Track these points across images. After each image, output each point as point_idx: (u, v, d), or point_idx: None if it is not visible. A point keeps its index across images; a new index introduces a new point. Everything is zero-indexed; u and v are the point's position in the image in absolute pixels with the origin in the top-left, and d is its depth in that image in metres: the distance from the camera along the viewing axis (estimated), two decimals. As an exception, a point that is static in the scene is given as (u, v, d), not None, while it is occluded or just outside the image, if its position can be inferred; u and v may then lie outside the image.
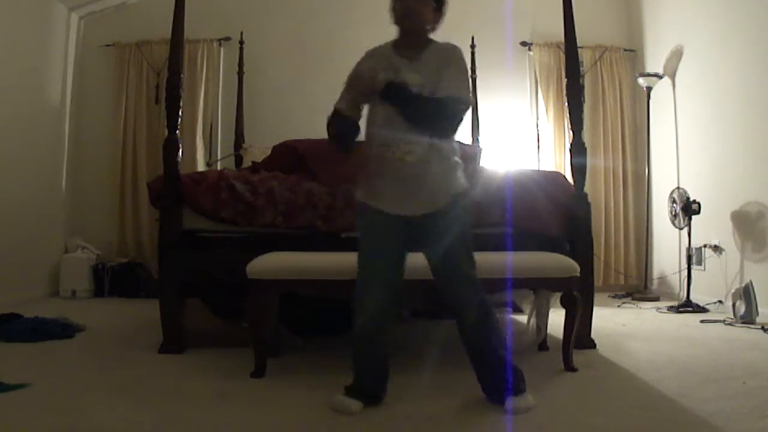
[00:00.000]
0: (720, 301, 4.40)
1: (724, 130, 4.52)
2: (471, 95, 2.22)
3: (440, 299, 2.32)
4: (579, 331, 2.82)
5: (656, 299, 5.06)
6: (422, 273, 2.27)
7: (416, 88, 2.16)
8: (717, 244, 4.55)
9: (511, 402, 2.14)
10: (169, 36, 3.20)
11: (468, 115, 6.09)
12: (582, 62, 5.32)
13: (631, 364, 2.81)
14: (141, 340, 3.31)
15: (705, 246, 4.67)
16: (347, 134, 2.26)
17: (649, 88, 5.38)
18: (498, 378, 2.19)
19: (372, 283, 2.22)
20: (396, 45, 2.30)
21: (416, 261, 2.26)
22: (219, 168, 4.93)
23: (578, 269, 2.75)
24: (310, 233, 3.10)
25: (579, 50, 3.51)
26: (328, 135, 2.31)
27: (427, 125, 2.17)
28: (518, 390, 2.19)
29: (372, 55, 2.32)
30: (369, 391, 2.25)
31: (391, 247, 2.24)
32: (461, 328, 2.24)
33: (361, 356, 2.28)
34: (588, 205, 3.21)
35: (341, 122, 2.26)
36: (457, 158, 2.27)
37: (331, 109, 2.28)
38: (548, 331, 3.16)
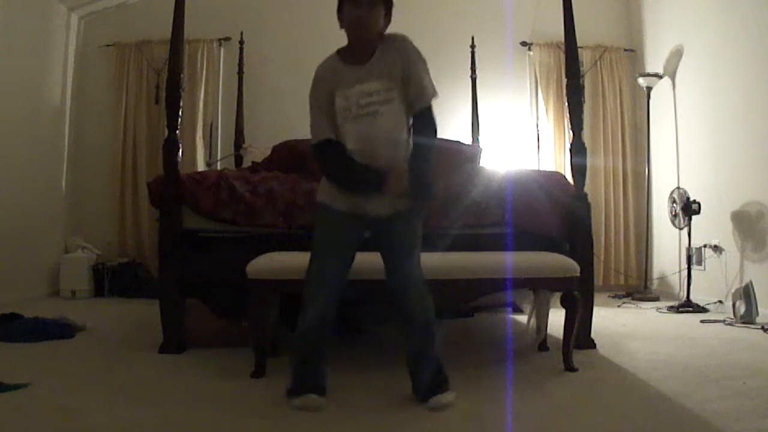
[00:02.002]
0: (720, 301, 4.40)
1: (724, 130, 4.52)
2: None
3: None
4: (579, 331, 2.82)
5: (656, 299, 5.05)
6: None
7: (376, 96, 2.19)
8: (717, 244, 4.55)
9: (436, 399, 2.21)
10: (169, 36, 3.20)
11: (468, 115, 6.10)
12: (582, 62, 5.32)
13: (631, 364, 2.81)
14: (141, 340, 3.31)
15: (705, 246, 4.67)
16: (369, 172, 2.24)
17: (649, 88, 5.38)
18: (431, 379, 2.25)
19: (323, 279, 2.25)
20: (344, 54, 2.28)
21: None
22: (219, 168, 4.94)
23: (578, 269, 2.75)
24: (310, 233, 3.10)
25: (579, 50, 3.51)
26: (352, 183, 2.26)
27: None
28: (444, 388, 2.25)
29: (323, 78, 2.27)
30: (311, 387, 2.25)
31: (344, 246, 2.29)
32: (407, 330, 2.28)
33: (305, 352, 2.28)
34: (588, 205, 3.21)
35: (354, 168, 2.22)
36: None
37: (322, 140, 2.25)
38: (548, 331, 3.15)
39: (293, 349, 2.31)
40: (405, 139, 2.26)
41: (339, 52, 2.30)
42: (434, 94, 2.26)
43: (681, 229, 4.80)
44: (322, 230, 2.33)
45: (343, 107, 2.21)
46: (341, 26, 2.26)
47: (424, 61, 2.26)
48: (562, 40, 3.32)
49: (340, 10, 2.26)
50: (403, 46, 2.24)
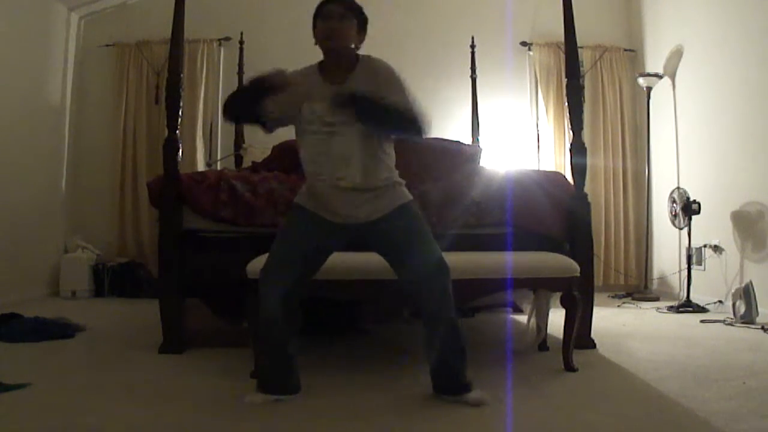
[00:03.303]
0: (720, 301, 4.40)
1: (724, 130, 4.52)
2: (421, 107, 2.22)
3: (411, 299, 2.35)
4: (579, 331, 2.82)
5: (656, 299, 5.05)
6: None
7: (339, 116, 2.16)
8: (717, 244, 4.55)
9: (471, 395, 2.23)
10: (169, 36, 3.20)
11: (468, 115, 6.08)
12: (582, 62, 5.32)
13: (631, 364, 2.81)
14: (141, 340, 3.31)
15: (705, 246, 4.67)
16: (246, 110, 2.27)
17: (649, 88, 5.38)
18: (457, 375, 2.26)
19: (278, 273, 2.24)
20: (322, 68, 2.28)
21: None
22: (219, 168, 4.94)
23: (578, 269, 2.75)
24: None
25: (579, 50, 3.51)
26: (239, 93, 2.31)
27: (384, 128, 2.21)
28: (471, 386, 2.26)
29: (298, 80, 2.24)
30: (277, 385, 2.28)
31: (310, 246, 2.29)
32: (428, 330, 2.25)
33: (268, 350, 2.30)
34: (588, 205, 3.21)
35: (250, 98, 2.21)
36: (395, 178, 2.30)
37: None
38: (548, 331, 3.15)
39: (258, 347, 2.33)
40: (371, 159, 2.23)
41: (321, 67, 2.30)
42: (409, 102, 2.19)
43: (681, 229, 4.80)
44: (290, 227, 2.34)
45: (308, 120, 2.22)
46: (315, 43, 2.26)
47: (400, 81, 2.23)
48: (562, 40, 3.32)
49: (314, 28, 2.26)
50: (378, 70, 2.24)
